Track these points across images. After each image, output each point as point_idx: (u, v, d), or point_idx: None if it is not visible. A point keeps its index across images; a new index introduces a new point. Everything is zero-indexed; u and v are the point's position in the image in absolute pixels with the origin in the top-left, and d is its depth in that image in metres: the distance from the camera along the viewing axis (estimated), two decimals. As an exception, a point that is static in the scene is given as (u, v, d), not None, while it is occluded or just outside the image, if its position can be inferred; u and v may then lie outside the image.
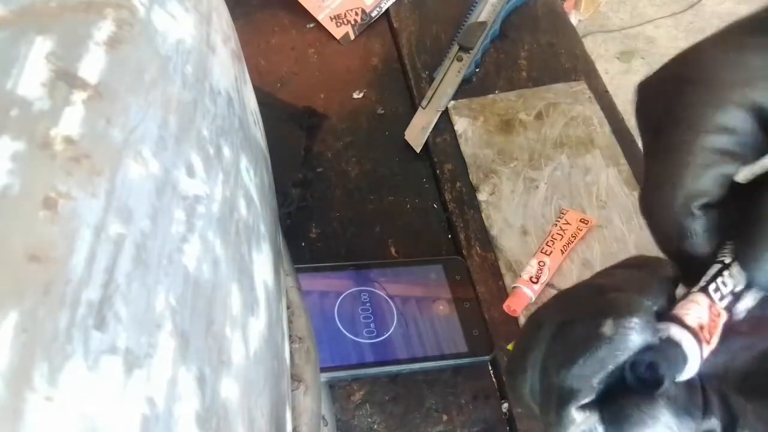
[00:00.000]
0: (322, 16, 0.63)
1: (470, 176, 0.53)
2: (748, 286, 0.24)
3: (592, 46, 1.96)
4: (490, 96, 0.58)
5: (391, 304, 0.45)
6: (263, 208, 0.26)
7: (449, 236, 0.51)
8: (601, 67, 0.62)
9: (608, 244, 0.49)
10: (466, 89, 0.58)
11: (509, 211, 0.51)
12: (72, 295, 0.14)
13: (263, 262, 0.25)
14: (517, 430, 0.42)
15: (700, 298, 0.24)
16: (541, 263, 0.47)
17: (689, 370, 0.23)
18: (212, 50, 0.24)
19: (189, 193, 0.19)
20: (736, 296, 0.24)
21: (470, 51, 0.59)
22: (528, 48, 0.62)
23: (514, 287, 0.46)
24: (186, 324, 0.17)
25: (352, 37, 0.63)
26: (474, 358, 0.44)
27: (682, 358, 0.23)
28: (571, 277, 0.47)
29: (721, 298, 0.24)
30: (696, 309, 0.24)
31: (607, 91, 0.60)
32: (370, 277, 0.46)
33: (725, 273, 0.25)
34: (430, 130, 0.55)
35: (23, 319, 0.13)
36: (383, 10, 0.64)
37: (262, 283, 0.24)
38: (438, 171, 0.54)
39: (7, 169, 0.15)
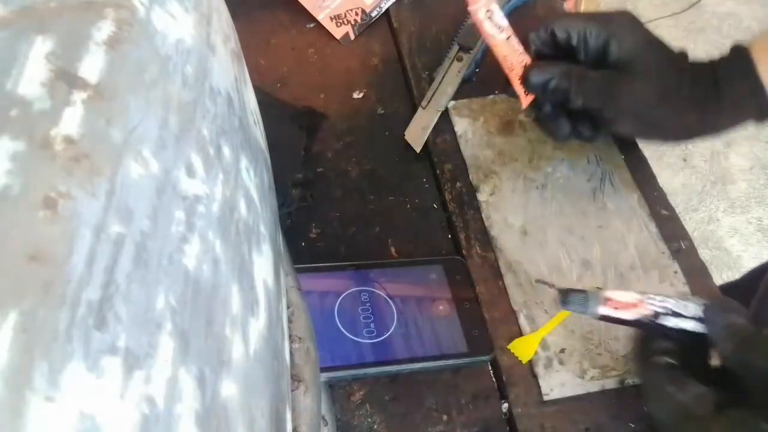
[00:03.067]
0: (322, 16, 0.63)
1: (470, 176, 0.53)
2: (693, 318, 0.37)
3: (592, 46, 1.95)
4: (490, 97, 0.58)
5: (391, 304, 0.45)
6: (263, 208, 0.26)
7: (449, 236, 0.51)
8: (600, 67, 0.62)
9: (608, 244, 0.49)
10: (466, 89, 0.58)
11: (509, 211, 0.51)
12: (72, 295, 0.14)
13: (263, 262, 0.25)
14: (517, 430, 0.42)
15: (631, 296, 0.38)
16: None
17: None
18: (212, 50, 0.24)
19: (189, 193, 0.19)
20: (674, 314, 0.37)
21: (470, 51, 0.59)
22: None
23: None
24: (186, 324, 0.17)
25: (352, 37, 0.63)
26: (474, 358, 0.44)
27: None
28: (571, 277, 0.48)
29: (657, 304, 0.37)
30: (622, 295, 0.38)
31: (607, 91, 0.60)
32: (370, 277, 0.46)
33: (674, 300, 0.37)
34: (430, 130, 0.55)
35: (23, 319, 0.13)
36: (383, 10, 0.64)
37: (262, 283, 0.24)
38: (438, 171, 0.54)
39: (7, 169, 0.15)
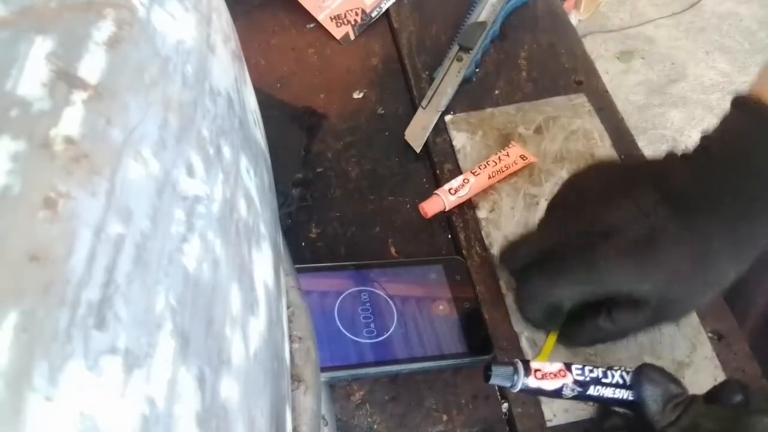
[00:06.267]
0: (322, 16, 0.63)
1: None
2: (621, 386, 0.37)
3: (592, 46, 1.96)
4: (488, 110, 0.57)
5: (391, 304, 0.45)
6: (263, 208, 0.26)
7: (449, 236, 0.51)
8: (601, 67, 0.62)
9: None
10: (467, 89, 0.58)
11: (509, 228, 0.50)
12: (72, 295, 0.14)
13: (263, 262, 0.25)
14: (517, 430, 0.42)
15: (557, 365, 0.37)
16: (466, 180, 0.51)
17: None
18: (212, 50, 0.24)
19: (189, 193, 0.19)
20: (595, 381, 0.37)
21: (470, 51, 0.59)
22: (528, 48, 0.63)
23: (434, 193, 0.51)
24: (186, 324, 0.17)
25: (352, 37, 0.63)
26: (474, 358, 0.44)
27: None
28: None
29: (581, 374, 0.37)
30: (549, 366, 0.37)
31: (606, 91, 0.60)
32: (370, 277, 0.46)
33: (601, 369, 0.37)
34: (430, 130, 0.55)
35: (23, 319, 0.13)
36: (383, 10, 0.64)
37: (262, 283, 0.24)
38: (438, 171, 0.54)
39: (7, 169, 0.15)
